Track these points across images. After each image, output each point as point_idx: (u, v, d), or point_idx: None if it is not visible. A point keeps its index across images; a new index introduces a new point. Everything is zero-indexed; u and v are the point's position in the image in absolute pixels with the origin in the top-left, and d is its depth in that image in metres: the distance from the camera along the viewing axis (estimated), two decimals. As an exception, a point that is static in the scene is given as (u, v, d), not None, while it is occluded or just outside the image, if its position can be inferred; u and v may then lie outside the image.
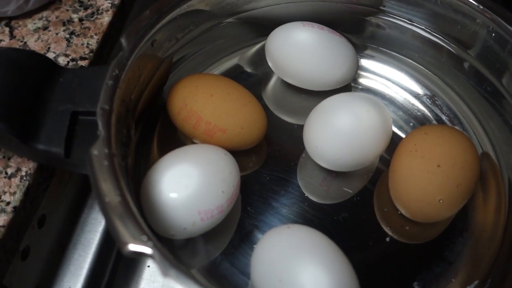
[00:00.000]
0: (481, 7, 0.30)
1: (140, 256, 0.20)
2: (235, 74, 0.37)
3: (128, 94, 0.27)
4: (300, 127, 0.32)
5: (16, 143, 0.25)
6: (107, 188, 0.21)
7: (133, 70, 0.27)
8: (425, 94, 0.35)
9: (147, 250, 0.20)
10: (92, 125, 0.27)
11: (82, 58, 0.37)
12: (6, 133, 0.24)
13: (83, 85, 0.28)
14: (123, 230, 0.20)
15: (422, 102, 0.35)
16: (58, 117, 0.26)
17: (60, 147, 0.25)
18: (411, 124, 0.34)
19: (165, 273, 0.19)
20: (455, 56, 0.33)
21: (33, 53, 0.28)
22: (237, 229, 0.30)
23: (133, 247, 0.20)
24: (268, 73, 0.37)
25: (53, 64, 0.28)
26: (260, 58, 0.37)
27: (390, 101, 0.35)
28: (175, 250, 0.28)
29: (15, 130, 0.25)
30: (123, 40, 0.27)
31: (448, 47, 0.33)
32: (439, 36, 0.34)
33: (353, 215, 0.30)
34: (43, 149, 0.25)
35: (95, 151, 0.22)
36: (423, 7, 0.33)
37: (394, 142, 0.31)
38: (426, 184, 0.27)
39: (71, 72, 0.28)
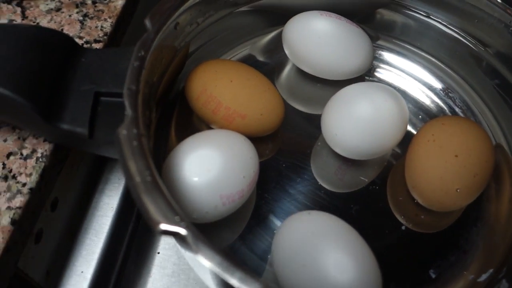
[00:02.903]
0: (499, 0, 0.31)
1: (174, 236, 0.20)
2: (250, 63, 0.37)
3: (152, 76, 0.27)
4: (314, 116, 0.32)
5: (39, 121, 0.25)
6: (138, 168, 0.21)
7: (157, 52, 0.27)
8: (439, 86, 0.35)
9: (181, 230, 0.20)
10: (114, 106, 0.27)
11: (96, 41, 0.36)
12: (30, 111, 0.24)
13: (105, 66, 0.27)
14: (155, 210, 0.20)
15: (436, 94, 0.35)
16: (81, 97, 0.26)
17: (84, 127, 0.25)
18: (424, 115, 0.34)
19: (197, 252, 0.19)
20: (471, 50, 0.34)
21: (55, 32, 0.27)
22: (253, 215, 0.30)
23: (166, 227, 0.20)
24: (282, 62, 0.37)
25: (75, 44, 0.28)
26: (274, 47, 0.37)
27: (404, 92, 0.35)
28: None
29: (39, 108, 0.24)
30: (147, 22, 0.27)
31: (465, 41, 0.34)
32: (455, 29, 0.34)
33: (368, 204, 0.30)
34: (67, 129, 0.25)
35: (124, 131, 0.22)
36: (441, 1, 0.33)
37: (409, 131, 0.32)
38: (444, 173, 0.28)
39: (93, 52, 0.28)
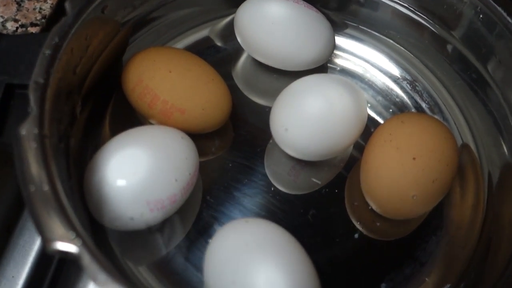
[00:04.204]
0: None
1: (66, 255, 0.17)
2: (203, 48, 0.34)
3: (72, 67, 0.24)
4: (268, 110, 0.29)
5: None
6: (34, 174, 0.19)
7: (79, 39, 0.24)
8: (405, 79, 0.32)
9: (73, 249, 0.17)
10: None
11: (33, 24, 0.33)
12: None
13: (21, 54, 0.25)
14: (47, 224, 0.18)
15: (402, 87, 0.32)
16: (-11, 89, 0.23)
17: (-11, 124, 0.22)
18: (390, 110, 0.31)
19: (93, 278, 0.17)
20: (439, 38, 0.31)
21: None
22: (195, 220, 0.27)
23: (57, 245, 0.17)
24: (239, 49, 0.34)
25: (-13, 29, 0.25)
26: (231, 32, 0.34)
27: (368, 84, 0.32)
28: (123, 242, 0.26)
29: None
30: (67, 5, 0.24)
31: (432, 28, 0.31)
32: (422, 15, 0.31)
33: (321, 208, 0.28)
34: (-31, 126, 0.22)
35: (23, 131, 0.20)
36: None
37: (369, 129, 0.29)
38: (400, 178, 0.25)
39: (9, 38, 0.25)
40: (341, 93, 0.27)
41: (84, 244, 0.17)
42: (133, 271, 0.25)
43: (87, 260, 0.17)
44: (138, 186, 0.23)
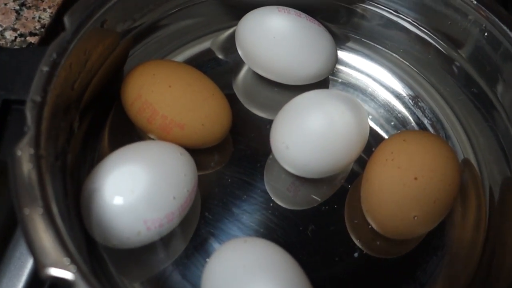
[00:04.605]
0: (475, 2, 0.27)
1: (61, 282, 0.17)
2: (204, 61, 0.33)
3: (70, 83, 0.24)
4: (270, 123, 0.29)
5: None
6: (29, 197, 0.18)
7: (78, 55, 0.24)
8: (408, 94, 0.32)
9: (68, 275, 0.17)
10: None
11: (32, 34, 0.33)
12: None
13: (20, 68, 0.24)
14: (41, 249, 0.17)
15: (403, 103, 0.32)
16: (-14, 105, 0.23)
17: (-16, 142, 0.22)
18: (392, 123, 0.31)
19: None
20: (443, 55, 0.30)
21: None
22: (192, 237, 0.27)
23: (52, 271, 0.17)
24: (241, 62, 0.33)
25: (-15, 42, 0.25)
26: (232, 44, 0.34)
27: (370, 99, 0.32)
28: (119, 258, 0.26)
29: None
30: (66, 19, 0.24)
31: (436, 44, 0.30)
32: (427, 31, 0.30)
33: (320, 226, 0.28)
34: (-35, 143, 0.22)
35: (18, 151, 0.19)
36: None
37: (370, 145, 0.29)
38: (401, 198, 0.25)
39: (7, 52, 0.25)
40: (343, 111, 0.26)
41: (79, 271, 0.17)
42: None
43: (82, 287, 0.17)
44: (136, 204, 0.23)
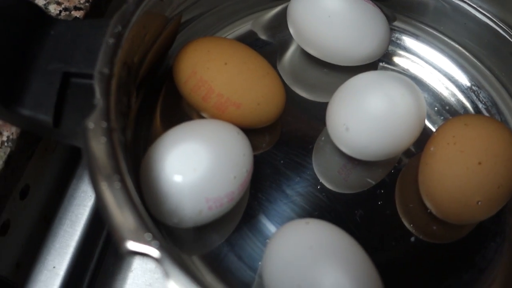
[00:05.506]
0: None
1: (143, 256, 0.17)
2: (249, 41, 0.33)
3: (131, 56, 0.23)
4: (319, 105, 0.28)
5: (-4, 106, 0.21)
6: (105, 171, 0.18)
7: (138, 28, 0.23)
8: (461, 77, 0.31)
9: (152, 251, 0.16)
10: (87, 89, 0.23)
11: (76, 8, 0.32)
12: (-17, 94, 0.20)
13: (78, 41, 0.23)
14: (122, 224, 0.17)
15: (458, 87, 0.31)
16: (47, 78, 0.22)
17: (48, 114, 0.21)
18: (443, 111, 0.30)
19: (170, 277, 0.16)
20: (502, 38, 0.30)
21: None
22: (244, 217, 0.27)
23: (134, 246, 0.16)
24: (287, 42, 0.33)
25: (42, 13, 0.24)
26: (278, 23, 0.33)
27: (421, 83, 0.31)
28: (174, 235, 0.25)
29: (-5, 90, 0.21)
30: (127, -9, 0.23)
31: (496, 27, 0.30)
32: (485, 13, 0.30)
33: (374, 210, 0.27)
34: (28, 116, 0.21)
35: (91, 124, 0.19)
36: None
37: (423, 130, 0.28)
38: (464, 182, 0.24)
39: (64, 24, 0.24)
40: (403, 93, 0.26)
41: (161, 247, 0.17)
42: (190, 265, 0.25)
43: (164, 262, 0.16)
44: (198, 183, 0.23)
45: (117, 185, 0.18)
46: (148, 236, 0.17)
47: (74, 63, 0.23)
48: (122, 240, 0.17)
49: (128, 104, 0.24)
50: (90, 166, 0.18)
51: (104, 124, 0.19)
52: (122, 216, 0.17)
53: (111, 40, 0.21)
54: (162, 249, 0.16)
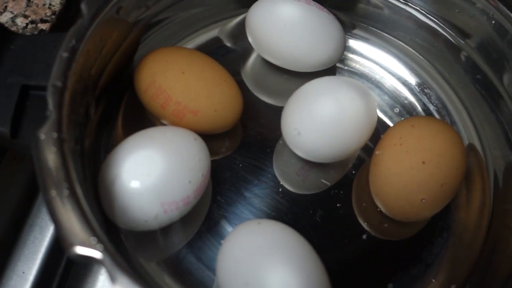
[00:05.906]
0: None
1: (88, 260, 0.18)
2: (213, 48, 0.34)
3: (87, 69, 0.24)
4: (280, 110, 0.29)
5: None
6: (55, 179, 0.19)
7: (94, 41, 0.24)
8: (414, 81, 0.33)
9: (96, 254, 0.17)
10: (46, 101, 0.24)
11: (43, 21, 0.33)
12: None
13: (37, 55, 0.25)
14: (69, 229, 0.18)
15: (410, 90, 0.32)
16: (6, 90, 0.23)
17: (5, 126, 0.22)
18: (395, 114, 0.32)
19: (115, 280, 0.17)
20: (451, 43, 0.31)
21: (-23, 15, 0.24)
22: (205, 220, 0.28)
23: (79, 250, 0.18)
24: (249, 49, 0.34)
25: (3, 29, 0.25)
26: (241, 32, 0.34)
27: (377, 86, 0.33)
28: (134, 240, 0.26)
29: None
30: (83, 6, 0.24)
31: (444, 33, 0.31)
32: (434, 19, 0.31)
33: (329, 209, 0.28)
34: (-14, 128, 0.22)
35: (42, 135, 0.20)
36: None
37: (376, 130, 0.29)
38: (409, 181, 0.26)
39: (24, 38, 0.25)
40: (352, 97, 0.27)
41: (106, 250, 0.18)
42: (146, 269, 0.26)
43: (109, 265, 0.17)
44: (153, 188, 0.24)
45: (65, 192, 0.19)
46: (93, 240, 0.18)
47: (33, 76, 0.24)
48: (69, 244, 0.18)
49: (86, 115, 0.25)
50: (40, 175, 0.19)
51: (55, 135, 0.20)
52: (68, 222, 0.18)
53: (64, 54, 0.22)
54: (106, 252, 0.18)
